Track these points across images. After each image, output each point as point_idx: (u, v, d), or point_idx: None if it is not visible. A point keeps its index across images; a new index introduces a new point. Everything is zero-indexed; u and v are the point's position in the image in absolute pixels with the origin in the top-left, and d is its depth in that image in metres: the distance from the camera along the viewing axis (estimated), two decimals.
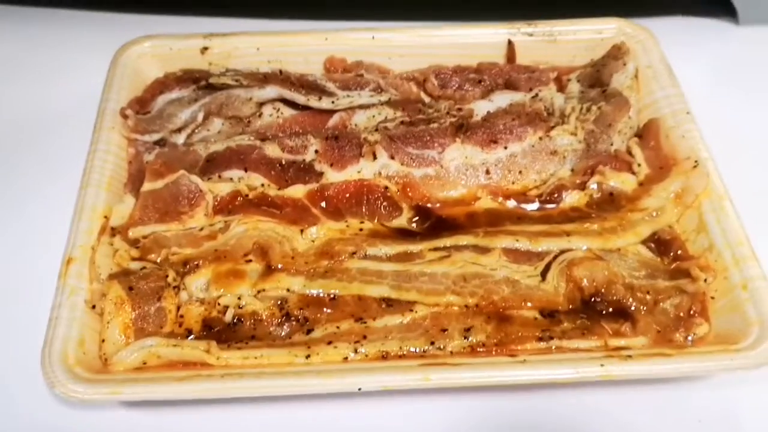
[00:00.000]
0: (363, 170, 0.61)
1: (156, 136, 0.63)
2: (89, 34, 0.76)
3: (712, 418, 0.52)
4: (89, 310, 0.52)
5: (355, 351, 0.51)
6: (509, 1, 0.70)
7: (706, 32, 0.77)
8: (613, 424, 0.51)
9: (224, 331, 0.53)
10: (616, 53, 0.67)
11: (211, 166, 0.61)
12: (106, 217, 0.57)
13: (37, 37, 0.76)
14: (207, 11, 0.77)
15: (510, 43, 0.68)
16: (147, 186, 0.59)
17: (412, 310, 0.53)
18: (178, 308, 0.54)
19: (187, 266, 0.55)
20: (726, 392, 0.53)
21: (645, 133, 0.63)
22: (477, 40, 0.69)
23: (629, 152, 0.62)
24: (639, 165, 0.61)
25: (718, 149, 0.59)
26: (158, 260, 0.56)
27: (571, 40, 0.69)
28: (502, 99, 0.66)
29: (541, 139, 0.62)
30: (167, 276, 0.54)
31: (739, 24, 0.77)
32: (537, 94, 0.65)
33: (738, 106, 0.70)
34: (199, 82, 0.66)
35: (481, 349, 0.51)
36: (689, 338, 0.51)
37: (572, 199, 0.60)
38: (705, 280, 0.53)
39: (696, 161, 0.58)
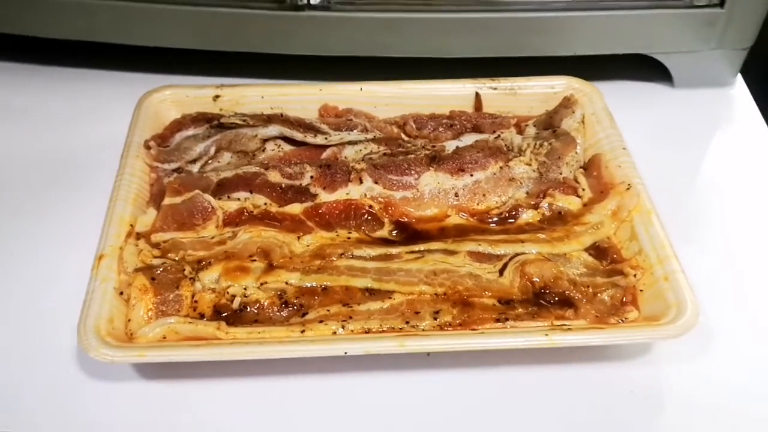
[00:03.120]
0: (351, 192, 0.72)
1: (174, 165, 0.74)
2: (118, 89, 0.88)
3: (642, 389, 0.61)
4: (117, 296, 0.62)
5: (343, 327, 0.60)
6: (477, 63, 0.83)
7: (646, 93, 0.89)
8: (558, 394, 0.61)
9: (232, 315, 0.62)
10: (567, 103, 0.79)
11: (222, 189, 0.72)
12: (131, 225, 0.67)
13: (75, 91, 0.88)
14: (217, 72, 0.89)
15: (477, 95, 0.81)
16: (167, 201, 0.70)
17: (390, 298, 0.63)
18: (193, 296, 0.63)
19: (201, 264, 0.65)
20: (655, 368, 0.62)
21: (589, 165, 0.75)
22: (450, 93, 0.81)
23: (576, 180, 0.73)
24: (583, 190, 0.72)
25: (650, 179, 0.71)
26: (176, 258, 0.66)
27: (528, 93, 0.81)
28: (469, 139, 0.77)
29: (501, 168, 0.73)
30: (184, 269, 0.64)
31: (674, 87, 0.90)
32: (499, 135, 0.77)
33: (669, 149, 0.82)
34: (212, 122, 0.78)
35: (448, 328, 0.61)
36: (621, 321, 0.61)
37: (527, 216, 0.71)
38: (635, 276, 0.64)
39: (629, 184, 0.70)
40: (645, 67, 0.88)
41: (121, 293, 0.62)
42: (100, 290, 0.61)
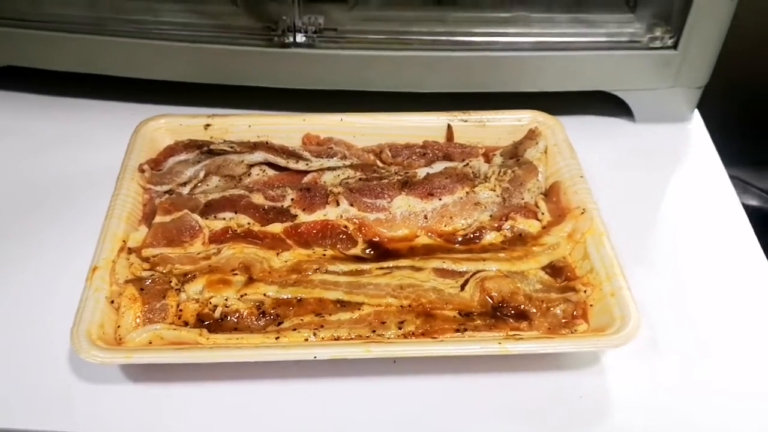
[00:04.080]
0: (328, 213, 0.77)
1: (166, 187, 0.80)
2: (114, 118, 0.94)
3: (591, 395, 0.66)
4: (109, 304, 0.67)
5: (314, 335, 0.65)
6: (450, 97, 0.89)
7: (608, 127, 0.96)
8: (512, 398, 0.66)
9: (213, 324, 0.67)
10: (531, 135, 0.86)
11: (209, 209, 0.78)
12: (124, 240, 0.73)
13: (74, 119, 0.94)
14: (208, 103, 0.95)
15: (449, 126, 0.87)
16: (158, 219, 0.75)
17: (359, 309, 0.68)
18: (178, 305, 0.68)
19: (187, 276, 0.71)
20: (604, 377, 0.68)
21: (549, 192, 0.81)
22: (423, 124, 0.87)
23: (536, 205, 0.79)
24: (543, 214, 0.78)
25: (607, 205, 0.77)
26: (164, 271, 0.71)
27: (496, 126, 0.87)
28: (440, 166, 0.84)
29: (467, 193, 0.79)
30: (171, 281, 0.70)
31: (635, 122, 0.96)
32: (468, 164, 0.84)
33: (626, 178, 0.88)
34: (202, 148, 0.84)
35: (411, 337, 0.66)
36: (571, 333, 0.67)
37: (490, 237, 0.76)
38: (585, 292, 0.69)
39: (584, 209, 0.75)
40: (608, 103, 0.94)
41: (112, 302, 0.68)
42: (92, 299, 0.67)
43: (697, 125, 0.96)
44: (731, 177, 0.90)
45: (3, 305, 0.73)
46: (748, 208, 0.86)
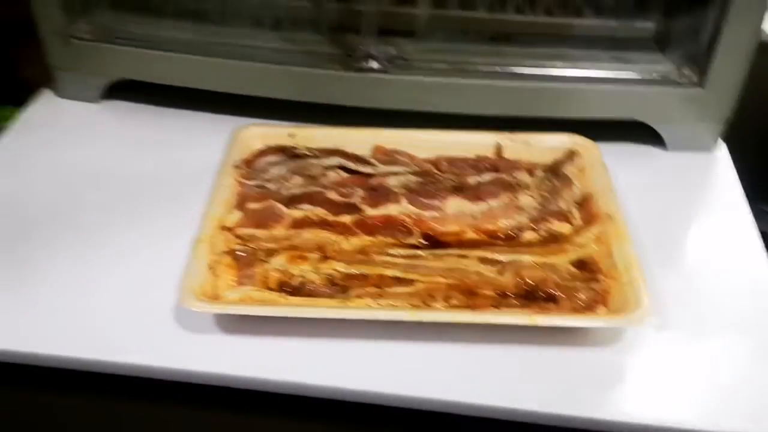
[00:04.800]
0: (390, 209, 0.91)
1: (256, 182, 0.96)
2: (211, 127, 1.10)
3: (608, 367, 0.78)
4: (208, 270, 0.82)
5: (375, 302, 0.79)
6: (500, 120, 1.03)
7: (641, 153, 1.08)
8: (539, 365, 0.78)
9: (292, 290, 0.82)
10: (570, 154, 0.99)
11: (291, 201, 0.93)
12: (221, 221, 0.89)
13: (180, 126, 1.11)
14: (294, 116, 1.11)
15: (498, 144, 1.01)
16: (249, 206, 0.91)
17: (413, 285, 0.82)
18: (264, 274, 0.83)
19: (272, 252, 0.86)
20: (621, 355, 0.79)
21: (582, 202, 0.93)
22: (475, 141, 1.01)
23: (570, 212, 0.92)
24: (575, 219, 0.91)
25: (634, 218, 0.89)
26: (253, 247, 0.86)
27: (539, 145, 1.00)
28: (488, 176, 0.97)
29: (510, 199, 0.93)
30: (258, 254, 0.85)
31: (667, 150, 1.08)
32: (513, 175, 0.97)
33: (654, 198, 1.00)
34: (287, 152, 0.99)
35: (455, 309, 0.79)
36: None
37: (528, 236, 0.89)
38: (606, 282, 0.82)
39: (611, 216, 0.88)
40: (643, 131, 1.06)
41: (211, 268, 0.83)
42: (196, 265, 0.82)
43: (721, 155, 1.07)
44: (750, 202, 1.01)
45: (126, 270, 0.87)
46: (765, 236, 0.97)
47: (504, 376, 0.77)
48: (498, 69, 1.04)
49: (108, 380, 0.80)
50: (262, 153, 0.99)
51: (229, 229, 0.88)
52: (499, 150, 1.00)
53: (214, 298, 0.80)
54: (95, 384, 0.82)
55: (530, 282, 0.82)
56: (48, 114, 1.14)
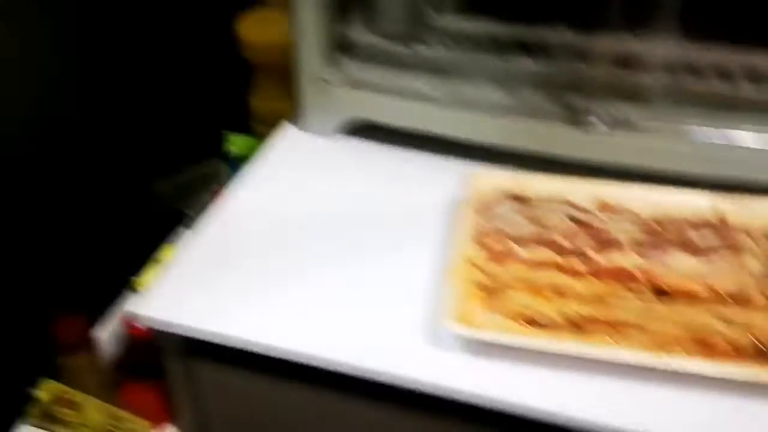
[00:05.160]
0: (619, 260, 0.99)
1: (492, 224, 1.06)
2: (435, 168, 1.21)
3: None
4: (461, 298, 0.92)
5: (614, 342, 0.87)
6: (713, 183, 1.08)
7: None
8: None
9: (533, 324, 0.90)
10: None
11: (524, 242, 1.02)
12: (467, 255, 0.99)
13: (414, 166, 1.23)
14: (515, 164, 1.20)
15: (717, 206, 1.06)
16: (488, 243, 1.00)
17: (647, 331, 0.88)
18: (508, 307, 0.92)
19: (511, 287, 0.95)
20: None
21: None
22: (691, 201, 1.07)
23: None
24: None
25: None
26: (496, 281, 0.96)
27: (760, 210, 1.05)
28: (710, 236, 1.03)
29: (737, 260, 0.98)
30: (501, 287, 0.94)
31: None
32: (735, 238, 1.02)
33: None
34: (517, 198, 1.09)
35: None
36: None
37: (756, 298, 0.94)
38: None
39: None
40: None
41: (462, 297, 0.92)
42: (452, 292, 0.92)
43: None
44: None
45: (381, 294, 0.99)
46: None
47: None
48: (715, 133, 1.09)
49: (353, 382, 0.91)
50: (494, 196, 1.09)
51: (473, 263, 0.98)
52: (719, 211, 1.06)
53: (468, 323, 0.89)
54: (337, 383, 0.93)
55: (764, 341, 0.87)
56: (294, 144, 1.30)
